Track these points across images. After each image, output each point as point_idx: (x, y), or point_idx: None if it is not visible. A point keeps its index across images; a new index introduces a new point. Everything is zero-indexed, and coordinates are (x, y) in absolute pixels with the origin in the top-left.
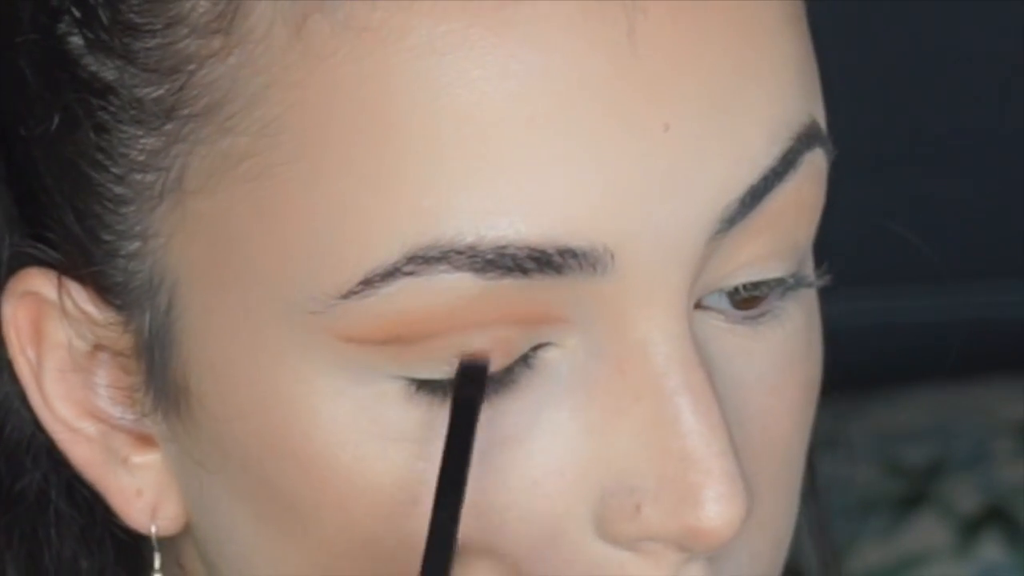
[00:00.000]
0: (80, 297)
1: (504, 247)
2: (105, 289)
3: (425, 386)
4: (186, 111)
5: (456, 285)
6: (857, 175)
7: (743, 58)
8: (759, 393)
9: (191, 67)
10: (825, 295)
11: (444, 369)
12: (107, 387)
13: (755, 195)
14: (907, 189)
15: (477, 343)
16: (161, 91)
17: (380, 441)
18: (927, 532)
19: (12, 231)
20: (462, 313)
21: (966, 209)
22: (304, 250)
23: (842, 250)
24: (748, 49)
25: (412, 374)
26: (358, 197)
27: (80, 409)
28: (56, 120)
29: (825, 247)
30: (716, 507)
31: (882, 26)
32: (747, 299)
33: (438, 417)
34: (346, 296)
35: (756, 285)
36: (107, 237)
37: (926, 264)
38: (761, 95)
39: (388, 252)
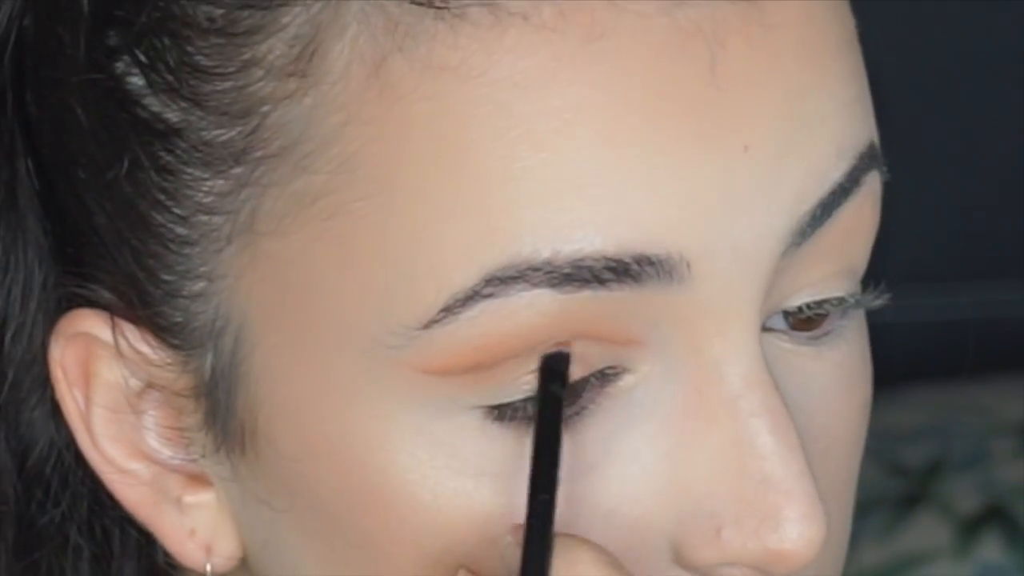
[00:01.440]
0: (134, 337)
1: (581, 260)
2: (163, 329)
3: (504, 415)
4: (258, 153)
5: (535, 302)
6: None
7: (813, 79)
8: (820, 414)
9: (264, 109)
10: None
11: (523, 389)
12: (158, 428)
13: (825, 208)
14: (906, 189)
15: None
16: (232, 134)
17: (459, 477)
18: (926, 532)
19: (48, 271)
20: (542, 331)
21: (966, 208)
22: (382, 284)
23: None
24: (816, 70)
25: (492, 400)
26: (433, 226)
27: (130, 450)
28: (113, 161)
29: None
30: (798, 528)
31: (883, 27)
32: (806, 320)
33: (517, 449)
34: (427, 326)
35: (819, 303)
36: (167, 277)
37: (926, 263)
38: (830, 112)
39: (466, 277)
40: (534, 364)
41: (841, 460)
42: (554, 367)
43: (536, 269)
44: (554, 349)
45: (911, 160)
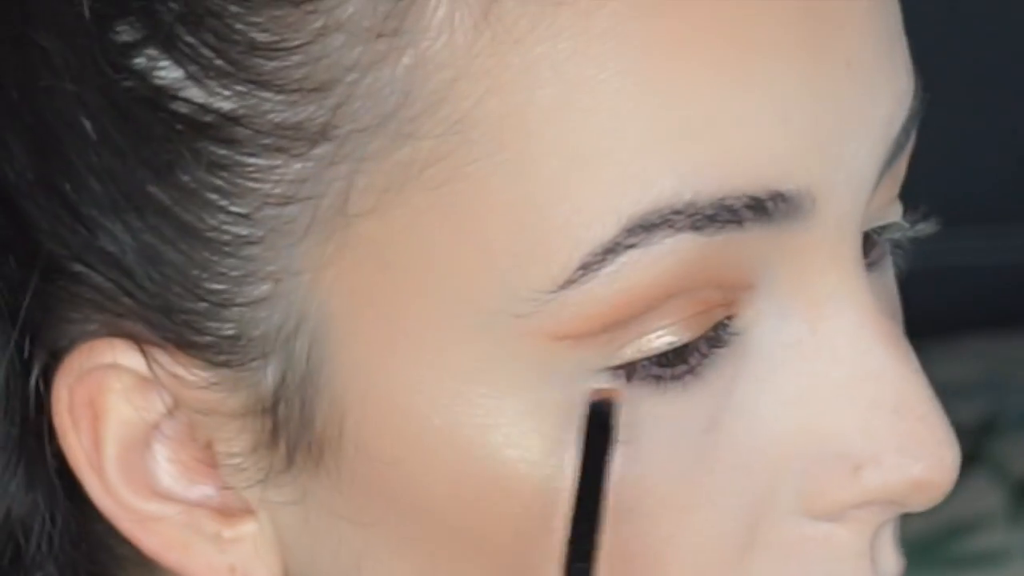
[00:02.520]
0: (166, 361)
1: (723, 199)
2: (205, 347)
3: (632, 374)
4: (346, 128)
5: (677, 248)
6: None
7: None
8: None
9: (351, 78)
10: None
11: (654, 344)
12: (184, 462)
13: (907, 132)
14: (959, 123)
15: (686, 309)
16: (310, 111)
17: None
18: (978, 496)
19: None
20: (681, 279)
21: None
22: (508, 248)
23: None
24: None
25: (620, 360)
26: (565, 178)
27: (148, 491)
28: (138, 168)
29: None
30: (939, 452)
31: None
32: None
33: (649, 409)
34: (563, 286)
35: (883, 229)
36: (217, 286)
37: (976, 202)
38: (897, 28)
39: (604, 228)
40: (668, 317)
41: None
42: (601, 415)
43: (679, 212)
44: (599, 397)
45: (974, 102)
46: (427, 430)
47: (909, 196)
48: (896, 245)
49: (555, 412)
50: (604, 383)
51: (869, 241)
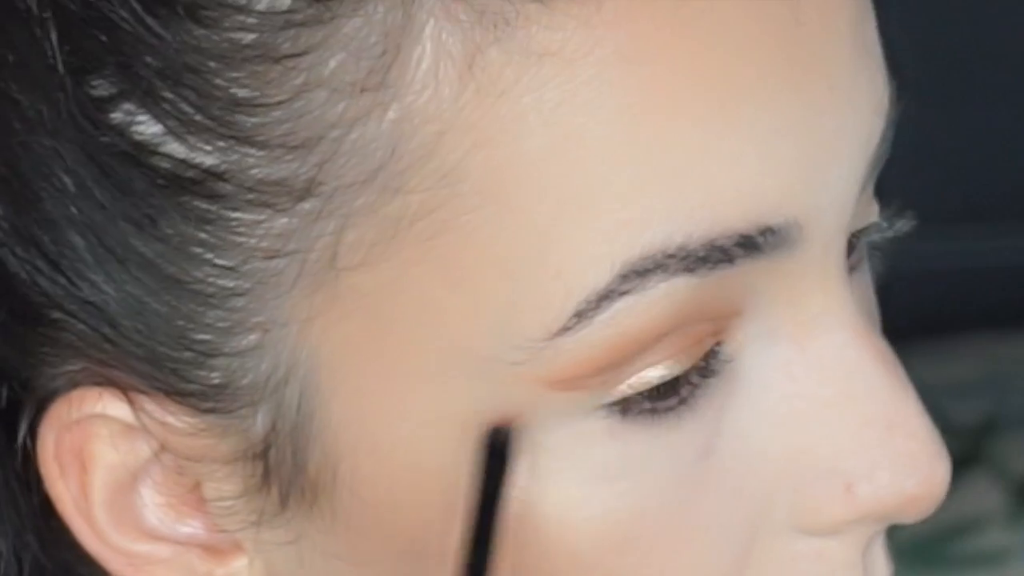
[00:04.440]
0: (152, 409)
1: (714, 239)
2: (191, 395)
3: (628, 410)
4: (332, 184)
5: (671, 291)
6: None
7: (862, 5)
8: None
9: (336, 134)
10: None
11: (645, 381)
12: (175, 505)
13: (885, 142)
14: (959, 124)
15: (678, 344)
16: (294, 167)
17: (587, 485)
18: (978, 496)
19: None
20: (674, 319)
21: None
22: (500, 297)
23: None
24: None
25: (613, 398)
26: (557, 226)
27: (138, 533)
28: (118, 221)
29: None
30: (930, 468)
31: None
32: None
33: (644, 446)
34: (558, 334)
35: (861, 232)
36: (204, 337)
37: (978, 203)
38: (873, 36)
39: (598, 276)
40: (660, 353)
41: None
42: (497, 444)
43: (671, 256)
44: (495, 426)
45: (960, 96)
46: (423, 477)
47: (908, 197)
48: (874, 247)
49: (554, 453)
50: (600, 421)
51: (848, 245)
